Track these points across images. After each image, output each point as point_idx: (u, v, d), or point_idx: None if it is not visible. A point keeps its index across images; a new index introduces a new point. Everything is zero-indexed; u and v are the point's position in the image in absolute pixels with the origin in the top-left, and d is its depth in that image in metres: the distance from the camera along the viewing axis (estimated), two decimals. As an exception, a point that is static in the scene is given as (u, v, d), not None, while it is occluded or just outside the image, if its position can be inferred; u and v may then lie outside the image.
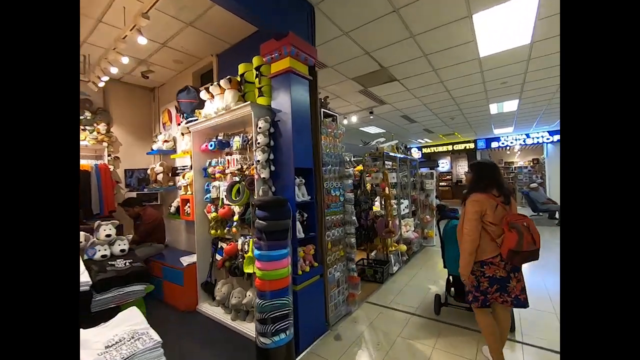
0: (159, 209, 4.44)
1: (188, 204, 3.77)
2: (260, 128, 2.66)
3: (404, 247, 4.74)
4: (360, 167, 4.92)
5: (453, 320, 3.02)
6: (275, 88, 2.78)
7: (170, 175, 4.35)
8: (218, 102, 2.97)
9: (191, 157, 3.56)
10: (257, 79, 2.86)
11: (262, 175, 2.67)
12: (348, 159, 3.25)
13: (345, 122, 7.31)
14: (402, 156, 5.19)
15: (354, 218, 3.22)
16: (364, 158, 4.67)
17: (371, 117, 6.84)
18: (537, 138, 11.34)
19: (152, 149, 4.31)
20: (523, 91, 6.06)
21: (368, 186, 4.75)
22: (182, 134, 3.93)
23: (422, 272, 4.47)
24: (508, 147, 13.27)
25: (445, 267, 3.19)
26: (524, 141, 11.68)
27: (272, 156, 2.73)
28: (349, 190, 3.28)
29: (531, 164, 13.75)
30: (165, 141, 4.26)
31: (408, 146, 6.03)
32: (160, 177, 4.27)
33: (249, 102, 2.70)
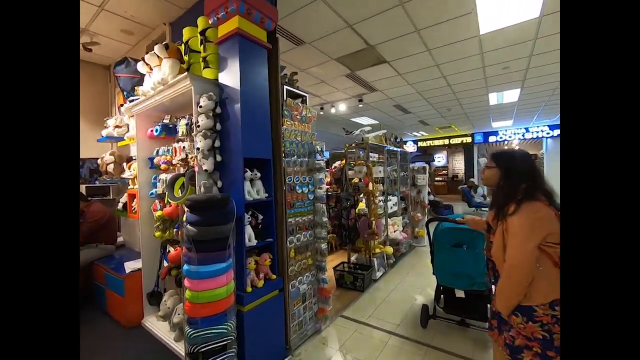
0: (111, 205, 3.87)
1: (135, 200, 3.20)
2: (201, 107, 2.08)
3: (390, 250, 4.21)
4: (345, 162, 4.37)
5: (441, 341, 2.51)
6: (223, 57, 2.19)
7: (123, 165, 3.76)
8: (156, 76, 2.38)
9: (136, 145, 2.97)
10: (202, 45, 2.26)
11: (204, 167, 2.10)
12: (320, 149, 2.68)
13: (332, 110, 6.71)
14: (390, 148, 4.63)
15: (326, 219, 2.67)
16: (346, 149, 4.09)
17: (360, 105, 6.24)
18: (537, 132, 10.80)
19: (102, 136, 3.71)
20: (526, 79, 5.47)
21: (355, 180, 4.20)
22: (130, 118, 3.33)
23: (409, 278, 3.96)
24: (506, 142, 12.73)
25: (434, 273, 2.68)
26: (522, 135, 11.13)
27: (218, 143, 2.16)
28: (320, 186, 2.72)
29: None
30: (117, 126, 3.66)
31: (402, 139, 5.46)
32: (111, 167, 3.69)
33: (187, 74, 2.10)
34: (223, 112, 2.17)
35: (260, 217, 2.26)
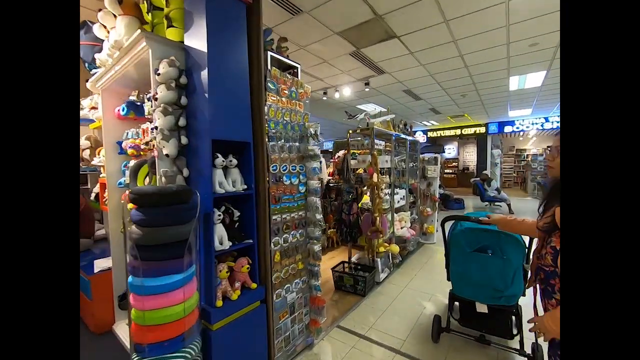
0: (88, 195, 3.51)
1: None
2: (159, 75, 1.64)
3: (396, 248, 3.77)
4: (352, 151, 3.90)
5: (455, 366, 2.08)
6: (189, 12, 1.72)
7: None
8: (112, 38, 1.93)
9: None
10: (166, 0, 1.80)
11: (164, 151, 1.67)
12: (314, 132, 2.21)
13: (337, 95, 6.17)
14: (399, 135, 4.12)
15: (320, 217, 2.23)
16: (348, 135, 3.60)
17: (367, 89, 5.69)
18: (558, 122, 10.00)
19: (77, 118, 3.31)
20: (555, 58, 4.82)
21: (360, 171, 3.73)
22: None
23: (417, 281, 3.52)
24: (522, 133, 11.94)
25: (449, 279, 2.24)
26: (541, 126, 10.35)
27: (183, 122, 1.72)
28: (314, 177, 2.27)
29: (547, 150, 12.45)
30: (93, 107, 3.26)
31: (411, 126, 4.92)
32: (87, 153, 3.31)
33: (140, 32, 1.65)
34: (190, 83, 1.72)
35: (237, 213, 1.83)
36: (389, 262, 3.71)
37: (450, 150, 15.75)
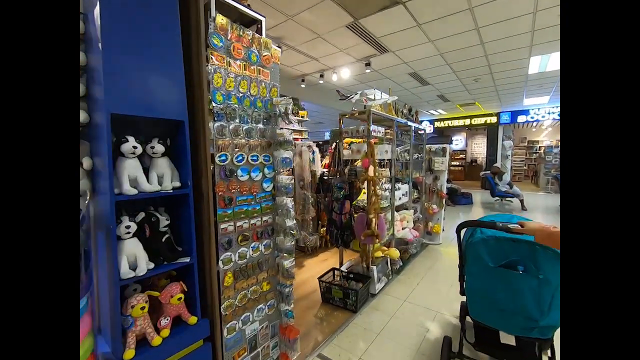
0: None
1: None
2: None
3: (395, 253, 3.21)
4: (349, 140, 3.31)
5: None
6: None
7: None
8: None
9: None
10: None
11: (47, 133, 1.12)
12: (283, 110, 1.63)
13: (334, 78, 5.51)
14: (402, 121, 3.50)
15: (292, 223, 1.66)
16: (340, 119, 3.00)
17: (368, 71, 5.03)
18: (577, 111, 9.16)
19: None
20: (587, 33, 4.08)
21: (358, 163, 3.15)
22: None
23: (420, 292, 2.97)
24: (537, 123, 11.11)
25: (462, 293, 1.71)
26: (558, 115, 9.52)
27: (83, 90, 1.17)
28: (285, 170, 1.70)
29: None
30: None
31: (417, 112, 4.27)
32: None
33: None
34: (88, 31, 1.16)
35: (164, 222, 1.28)
36: (387, 269, 3.16)
37: (458, 142, 14.96)
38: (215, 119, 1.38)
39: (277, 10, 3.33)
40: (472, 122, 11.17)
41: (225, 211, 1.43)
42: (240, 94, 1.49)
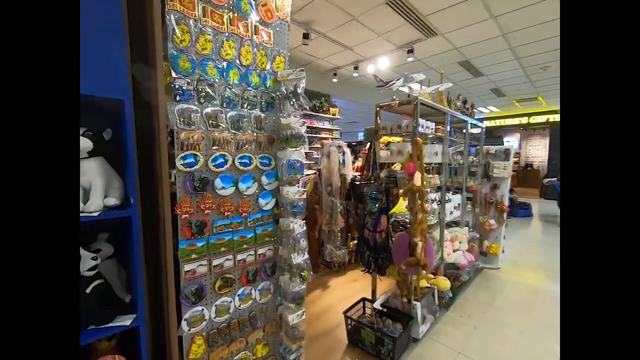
0: None
1: None
2: None
3: (445, 284, 2.48)
4: (387, 139, 2.67)
5: None
6: None
7: None
8: None
9: None
10: None
11: None
12: (292, 89, 1.06)
13: (370, 69, 4.83)
14: (459, 115, 2.75)
15: (303, 258, 1.09)
16: (377, 112, 2.35)
17: (410, 58, 4.27)
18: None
19: None
20: None
21: (396, 166, 2.53)
22: None
23: (479, 340, 2.21)
24: (614, 121, 9.22)
25: None
26: None
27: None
28: (295, 180, 1.13)
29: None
30: None
31: (473, 107, 3.44)
32: None
33: None
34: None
35: (90, 261, 0.80)
36: (434, 305, 2.45)
37: (511, 143, 13.24)
38: (178, 98, 0.86)
39: (304, -14, 2.80)
40: (530, 120, 9.65)
41: (193, 243, 0.91)
42: (223, 63, 0.95)
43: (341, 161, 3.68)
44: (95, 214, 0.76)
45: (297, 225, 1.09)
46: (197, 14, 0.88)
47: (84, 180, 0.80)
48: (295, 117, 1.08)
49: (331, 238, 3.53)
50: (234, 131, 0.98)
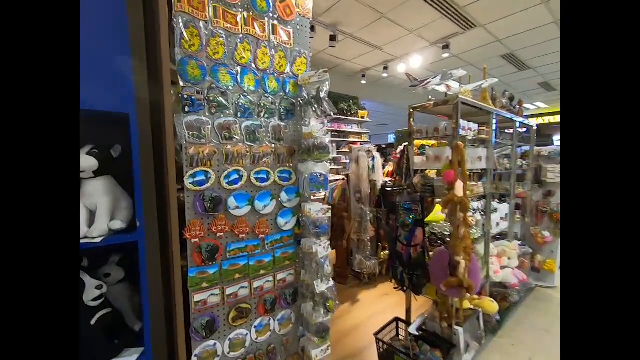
0: None
1: None
2: None
3: (492, 307, 2.17)
4: (420, 142, 2.44)
5: None
6: None
7: None
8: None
9: None
10: None
11: None
12: (315, 93, 0.94)
13: (400, 68, 4.56)
14: (506, 114, 2.44)
15: (327, 286, 0.95)
16: (411, 113, 2.14)
17: (445, 54, 3.94)
18: None
19: None
20: None
21: (430, 172, 2.30)
22: None
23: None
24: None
25: None
26: None
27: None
28: (321, 194, 1.00)
29: None
30: None
31: (521, 104, 3.05)
32: None
33: None
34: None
35: (94, 291, 0.73)
36: (479, 330, 2.15)
37: (559, 143, 11.94)
38: (187, 109, 0.77)
39: (330, -15, 2.68)
40: (586, 116, 8.56)
41: (204, 270, 0.81)
42: (237, 68, 0.85)
43: (371, 166, 3.49)
44: (98, 240, 0.69)
45: (321, 248, 0.95)
46: (208, 15, 0.79)
47: (89, 202, 0.74)
48: (319, 125, 0.95)
49: (360, 248, 3.34)
50: (249, 143, 0.88)
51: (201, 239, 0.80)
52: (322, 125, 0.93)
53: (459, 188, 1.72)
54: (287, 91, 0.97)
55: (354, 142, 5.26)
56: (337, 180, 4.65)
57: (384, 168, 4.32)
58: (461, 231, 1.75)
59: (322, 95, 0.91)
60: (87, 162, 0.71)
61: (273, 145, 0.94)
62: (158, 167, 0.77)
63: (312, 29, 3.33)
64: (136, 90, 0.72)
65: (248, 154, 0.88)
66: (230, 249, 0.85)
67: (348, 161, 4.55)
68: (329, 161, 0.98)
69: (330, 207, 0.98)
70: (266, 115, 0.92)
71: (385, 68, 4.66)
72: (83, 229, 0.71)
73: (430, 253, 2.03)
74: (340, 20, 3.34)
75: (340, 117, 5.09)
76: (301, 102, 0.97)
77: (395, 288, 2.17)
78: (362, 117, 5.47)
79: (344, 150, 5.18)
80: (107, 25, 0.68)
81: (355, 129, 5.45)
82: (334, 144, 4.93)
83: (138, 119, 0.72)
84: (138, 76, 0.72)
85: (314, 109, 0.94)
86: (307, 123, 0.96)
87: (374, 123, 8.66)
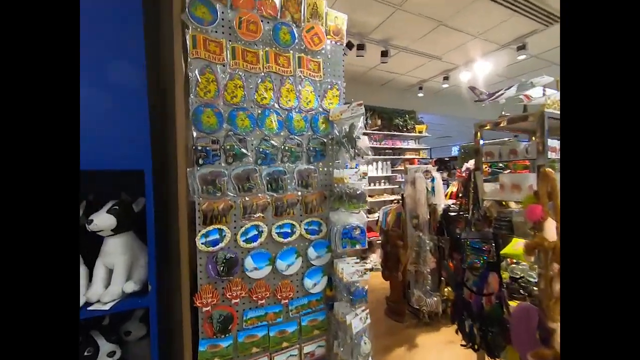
0: None
1: None
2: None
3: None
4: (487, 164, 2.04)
5: None
6: None
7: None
8: None
9: None
10: None
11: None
12: (347, 130, 0.78)
13: (463, 78, 4.04)
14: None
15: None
16: (477, 131, 1.77)
17: (521, 56, 3.30)
18: None
19: None
20: None
21: (509, 205, 1.89)
22: None
23: None
24: None
25: None
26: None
27: None
28: (356, 249, 0.82)
29: None
30: None
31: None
32: None
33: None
34: None
35: (107, 359, 0.68)
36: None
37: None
38: (201, 161, 0.69)
39: (379, 1, 2.53)
40: None
41: (216, 344, 0.70)
42: (257, 110, 0.76)
43: (430, 189, 3.11)
44: (107, 307, 0.65)
45: (357, 320, 0.76)
46: (225, 58, 0.72)
47: (108, 260, 0.71)
48: (351, 169, 0.78)
49: (419, 281, 2.94)
50: (271, 193, 0.76)
51: (213, 307, 0.70)
52: (357, 169, 0.76)
53: (549, 229, 1.32)
54: (316, 129, 0.83)
55: (410, 160, 4.86)
56: (391, 201, 4.31)
57: (446, 188, 3.83)
58: (556, 287, 1.33)
59: (356, 133, 0.75)
60: (107, 221, 0.69)
61: (299, 193, 0.80)
62: (170, 226, 0.71)
63: (361, 47, 3.22)
64: (150, 147, 0.67)
65: (269, 205, 0.76)
66: (247, 317, 0.73)
67: (403, 181, 4.20)
68: (366, 210, 0.79)
69: (368, 267, 0.79)
70: (291, 160, 0.79)
71: (446, 78, 4.22)
72: (98, 290, 0.68)
73: (511, 305, 1.60)
74: (392, 35, 3.14)
75: (395, 133, 4.77)
76: (332, 140, 0.82)
77: (462, 345, 1.78)
78: (420, 132, 5.04)
79: (398, 168, 4.82)
80: (131, 90, 0.66)
81: (412, 144, 5.04)
82: (388, 162, 4.63)
83: (153, 175, 0.67)
84: (153, 131, 0.68)
85: (346, 149, 0.78)
86: (339, 165, 0.81)
87: (435, 136, 7.97)
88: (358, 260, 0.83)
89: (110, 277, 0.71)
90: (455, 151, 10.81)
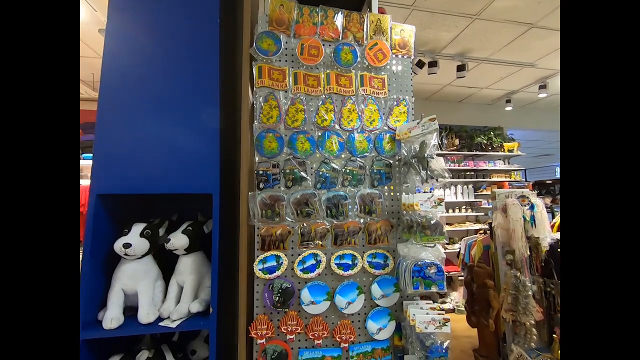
0: None
1: None
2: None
3: None
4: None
5: None
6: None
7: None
8: None
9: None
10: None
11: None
12: (416, 153, 0.67)
13: (542, 95, 3.29)
14: None
15: None
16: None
17: None
18: None
19: None
20: None
21: None
22: None
23: None
24: None
25: None
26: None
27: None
28: (428, 292, 0.67)
29: None
30: None
31: None
32: None
33: None
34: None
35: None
36: None
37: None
38: (262, 185, 0.69)
39: (453, 14, 2.36)
40: None
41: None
42: (317, 132, 0.73)
43: (528, 218, 2.54)
44: (174, 325, 0.67)
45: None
46: (288, 84, 0.73)
47: (180, 278, 0.75)
48: (425, 192, 0.66)
49: (519, 334, 2.34)
50: (330, 219, 0.70)
51: (268, 340, 0.65)
52: (430, 194, 0.64)
53: None
54: (381, 150, 0.75)
55: (500, 183, 4.17)
56: (475, 231, 3.69)
57: (551, 218, 3.09)
58: None
59: (428, 152, 0.63)
60: (181, 240, 0.74)
61: (361, 221, 0.71)
62: (233, 249, 0.71)
63: (433, 64, 3.02)
64: (222, 172, 0.71)
65: (328, 232, 0.70)
66: (303, 357, 0.65)
67: (491, 208, 3.58)
68: (443, 243, 0.65)
69: (446, 312, 0.62)
70: (353, 183, 0.72)
71: (543, 86, 3.56)
72: (170, 307, 0.72)
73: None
74: (470, 47, 2.86)
75: (478, 153, 4.19)
76: (400, 162, 0.72)
77: None
78: (510, 151, 4.31)
79: (484, 192, 4.16)
80: (207, 128, 0.72)
81: (500, 165, 4.32)
82: (470, 186, 4.05)
83: (221, 199, 0.70)
84: (222, 156, 0.72)
85: (416, 171, 0.67)
86: (409, 189, 0.69)
87: (530, 155, 6.74)
88: (434, 305, 0.67)
89: (177, 299, 0.75)
90: (558, 173, 8.81)
